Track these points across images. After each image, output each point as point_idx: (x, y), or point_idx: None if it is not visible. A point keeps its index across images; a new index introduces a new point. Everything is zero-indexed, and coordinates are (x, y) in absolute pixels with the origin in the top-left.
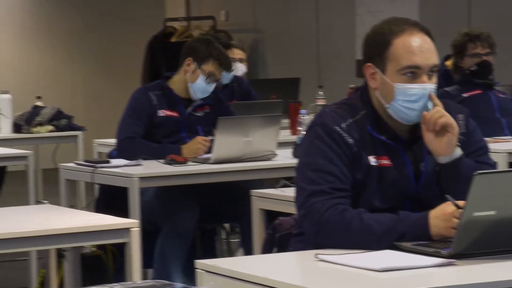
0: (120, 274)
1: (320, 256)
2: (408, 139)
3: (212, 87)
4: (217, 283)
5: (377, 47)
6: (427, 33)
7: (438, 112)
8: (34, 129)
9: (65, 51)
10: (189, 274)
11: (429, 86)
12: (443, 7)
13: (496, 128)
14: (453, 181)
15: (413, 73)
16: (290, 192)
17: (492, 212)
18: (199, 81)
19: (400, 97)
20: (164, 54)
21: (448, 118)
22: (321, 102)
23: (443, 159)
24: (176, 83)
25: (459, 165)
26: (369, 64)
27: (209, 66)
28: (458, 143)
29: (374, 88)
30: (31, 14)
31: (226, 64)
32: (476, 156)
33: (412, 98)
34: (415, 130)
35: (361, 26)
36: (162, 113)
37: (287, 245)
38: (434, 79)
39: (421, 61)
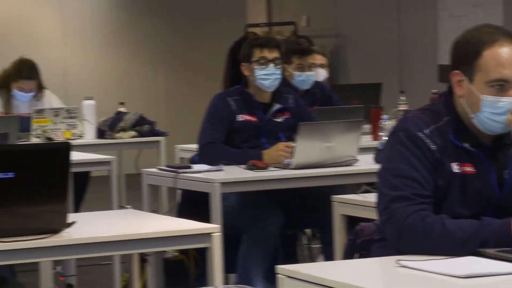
0: (202, 279)
1: (402, 262)
2: (492, 146)
3: (270, 69)
4: None
5: (467, 56)
6: None
7: None
8: (117, 135)
9: (148, 57)
10: (271, 280)
11: None
12: None
13: None
14: None
15: (501, 85)
16: (371, 197)
17: None
18: (256, 73)
19: (486, 109)
20: None
21: None
22: (403, 107)
23: None
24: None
25: None
26: (457, 71)
27: (255, 55)
28: None
29: (460, 96)
30: (114, 21)
31: (265, 43)
32: None
33: (498, 111)
34: (500, 136)
35: (443, 30)
36: (241, 118)
37: (369, 251)
38: None
39: (510, 74)
